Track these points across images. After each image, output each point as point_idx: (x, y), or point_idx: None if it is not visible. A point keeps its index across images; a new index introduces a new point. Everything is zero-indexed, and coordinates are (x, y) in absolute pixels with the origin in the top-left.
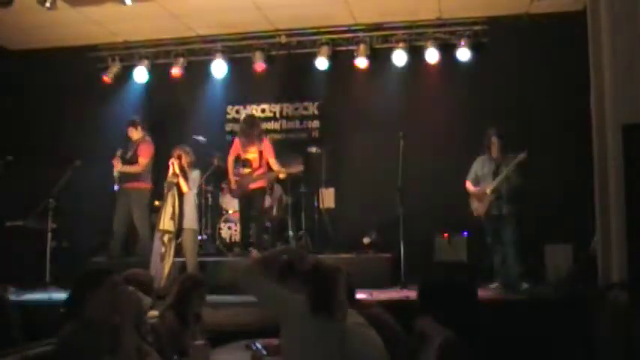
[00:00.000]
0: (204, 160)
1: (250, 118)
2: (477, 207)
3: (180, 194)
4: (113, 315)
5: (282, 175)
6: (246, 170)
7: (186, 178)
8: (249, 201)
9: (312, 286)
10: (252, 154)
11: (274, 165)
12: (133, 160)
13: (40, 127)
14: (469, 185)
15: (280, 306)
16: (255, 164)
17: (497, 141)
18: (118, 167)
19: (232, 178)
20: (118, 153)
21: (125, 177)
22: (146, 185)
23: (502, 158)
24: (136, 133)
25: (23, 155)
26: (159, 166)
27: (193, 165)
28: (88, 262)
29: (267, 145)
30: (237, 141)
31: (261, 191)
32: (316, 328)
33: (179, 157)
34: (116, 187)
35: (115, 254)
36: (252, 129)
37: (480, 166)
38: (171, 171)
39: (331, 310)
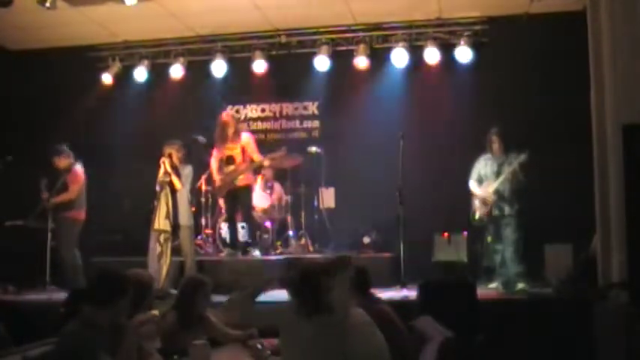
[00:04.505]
0: (204, 160)
1: (220, 119)
2: (479, 207)
3: (174, 192)
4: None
5: (266, 163)
6: (230, 167)
7: (178, 175)
8: (234, 199)
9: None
10: (233, 151)
11: (257, 157)
12: (62, 189)
13: (40, 127)
14: (473, 186)
15: (278, 318)
16: (239, 160)
17: (498, 140)
18: (50, 200)
19: (216, 178)
20: (44, 183)
21: (57, 208)
22: (78, 215)
23: (504, 157)
24: (62, 162)
25: (23, 155)
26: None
27: (185, 160)
28: (88, 262)
29: (248, 141)
30: (215, 147)
31: (248, 189)
32: (315, 328)
33: (170, 156)
34: None
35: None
36: (224, 130)
37: (482, 165)
38: (162, 170)
39: (323, 311)
